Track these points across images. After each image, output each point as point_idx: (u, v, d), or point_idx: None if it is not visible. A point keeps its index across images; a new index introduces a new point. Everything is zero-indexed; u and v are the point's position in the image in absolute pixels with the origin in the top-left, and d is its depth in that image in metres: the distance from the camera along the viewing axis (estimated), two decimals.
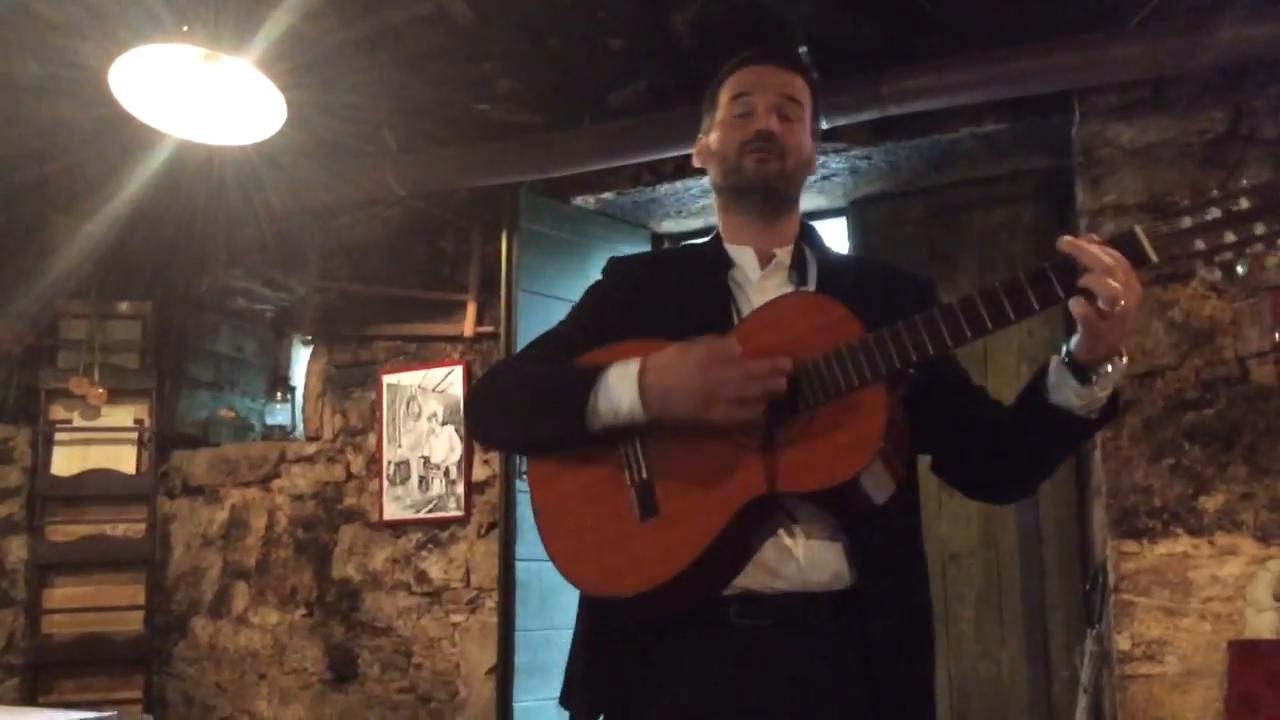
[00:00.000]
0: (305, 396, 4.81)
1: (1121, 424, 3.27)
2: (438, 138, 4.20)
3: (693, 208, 4.30)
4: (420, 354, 4.48)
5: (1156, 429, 3.26)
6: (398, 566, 4.36)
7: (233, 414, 5.11)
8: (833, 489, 1.50)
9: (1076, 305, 1.41)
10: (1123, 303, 1.39)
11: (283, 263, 4.88)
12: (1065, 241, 1.43)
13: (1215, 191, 1.39)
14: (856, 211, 4.18)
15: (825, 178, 4.00)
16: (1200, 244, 1.38)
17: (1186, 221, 1.39)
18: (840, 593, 1.59)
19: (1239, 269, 1.38)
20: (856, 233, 4.15)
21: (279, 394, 5.12)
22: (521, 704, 3.85)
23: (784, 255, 1.81)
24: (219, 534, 4.76)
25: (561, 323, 1.89)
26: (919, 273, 1.90)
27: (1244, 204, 1.37)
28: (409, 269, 4.56)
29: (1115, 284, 1.39)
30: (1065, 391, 1.52)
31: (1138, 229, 1.41)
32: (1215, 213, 1.38)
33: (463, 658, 4.18)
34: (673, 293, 1.81)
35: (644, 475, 1.60)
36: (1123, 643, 3.19)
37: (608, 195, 4.24)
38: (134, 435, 4.77)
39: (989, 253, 3.90)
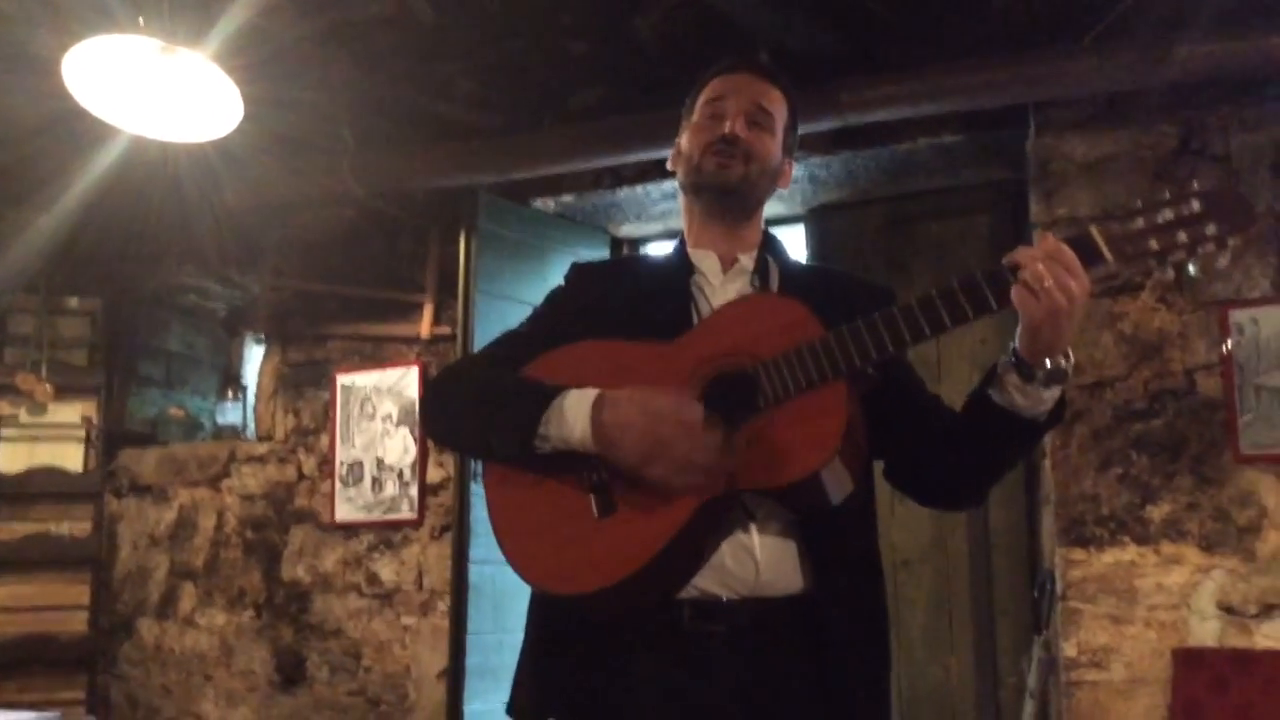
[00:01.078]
0: (257, 396, 4.76)
1: (1070, 433, 3.31)
2: (397, 137, 4.16)
3: (653, 212, 4.30)
4: (375, 354, 4.44)
5: (1105, 439, 3.31)
6: (349, 568, 4.31)
7: (182, 413, 5.04)
8: (793, 486, 1.50)
9: (1014, 291, 1.44)
10: (1048, 283, 1.41)
11: (237, 260, 4.82)
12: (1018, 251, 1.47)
13: (1168, 194, 1.42)
14: (814, 220, 4.20)
15: None
16: (1154, 244, 1.41)
17: (1140, 223, 1.42)
18: (796, 598, 1.59)
19: (1191, 269, 1.42)
20: (814, 241, 4.18)
21: (230, 393, 5.05)
22: (472, 707, 3.83)
23: (747, 260, 1.82)
24: (167, 534, 4.69)
25: (523, 323, 1.89)
26: (880, 282, 1.91)
27: (1196, 206, 1.41)
28: (366, 269, 4.52)
29: (1041, 266, 1.42)
30: (1010, 391, 1.53)
31: (1093, 229, 1.45)
32: (1168, 214, 1.42)
33: (413, 660, 4.14)
34: (634, 295, 1.82)
35: (602, 473, 1.59)
36: (1069, 649, 3.23)
37: (568, 198, 4.24)
38: (81, 433, 4.69)
39: (945, 263, 3.93)
